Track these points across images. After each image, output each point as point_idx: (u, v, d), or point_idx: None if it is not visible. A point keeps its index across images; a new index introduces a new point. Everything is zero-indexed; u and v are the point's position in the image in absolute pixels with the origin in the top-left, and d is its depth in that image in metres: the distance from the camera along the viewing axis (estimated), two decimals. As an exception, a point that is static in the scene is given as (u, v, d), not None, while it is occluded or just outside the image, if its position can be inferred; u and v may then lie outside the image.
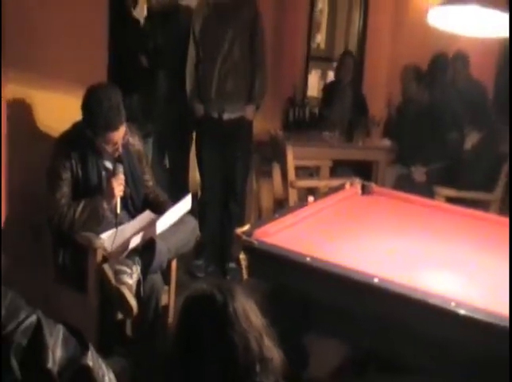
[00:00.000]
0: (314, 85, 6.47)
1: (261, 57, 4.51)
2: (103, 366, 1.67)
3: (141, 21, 5.10)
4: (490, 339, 2.36)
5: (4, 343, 1.51)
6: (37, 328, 1.56)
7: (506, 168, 5.14)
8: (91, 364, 1.61)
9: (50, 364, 1.55)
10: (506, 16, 2.89)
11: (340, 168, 5.42)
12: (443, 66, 5.76)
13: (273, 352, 1.60)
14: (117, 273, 3.13)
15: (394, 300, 2.53)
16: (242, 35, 4.42)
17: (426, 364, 2.64)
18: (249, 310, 1.61)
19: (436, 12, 3.04)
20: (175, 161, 5.09)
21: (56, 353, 1.56)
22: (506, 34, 3.00)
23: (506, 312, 2.40)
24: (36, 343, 1.55)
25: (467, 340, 2.42)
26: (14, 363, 1.52)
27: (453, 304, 2.44)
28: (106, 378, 1.66)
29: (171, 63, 4.79)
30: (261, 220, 3.87)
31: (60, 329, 1.61)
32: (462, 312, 2.41)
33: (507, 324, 2.35)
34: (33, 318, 1.57)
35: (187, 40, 4.53)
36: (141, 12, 5.37)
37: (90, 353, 1.62)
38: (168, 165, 5.11)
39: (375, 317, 2.60)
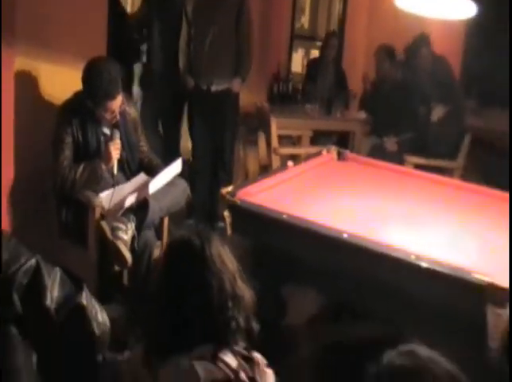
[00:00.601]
0: (298, 62, 6.44)
1: (247, 35, 4.52)
2: (96, 305, 1.71)
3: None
4: (451, 290, 2.39)
5: (7, 282, 1.55)
6: (37, 270, 1.60)
7: (468, 138, 5.19)
8: (85, 302, 1.66)
9: (48, 302, 1.60)
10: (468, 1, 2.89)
11: (321, 137, 5.43)
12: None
13: (245, 292, 1.63)
14: (113, 229, 3.17)
15: (362, 254, 2.56)
16: (229, 15, 4.43)
17: (394, 313, 2.68)
18: (223, 254, 1.64)
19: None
20: (168, 129, 5.07)
21: (53, 293, 1.61)
22: (468, 16, 3.00)
23: (465, 264, 2.44)
24: (36, 283, 1.59)
25: (429, 291, 2.45)
26: (16, 299, 1.56)
27: (413, 257, 2.47)
28: (99, 316, 1.71)
29: (166, 40, 4.78)
30: (244, 181, 3.88)
31: (58, 272, 1.65)
32: (423, 264, 2.45)
33: (468, 276, 2.37)
34: (33, 261, 1.61)
35: (180, 20, 4.52)
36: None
37: (84, 293, 1.67)
38: (162, 133, 5.11)
39: (347, 269, 2.62)
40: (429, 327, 2.54)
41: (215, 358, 1.51)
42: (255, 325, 1.61)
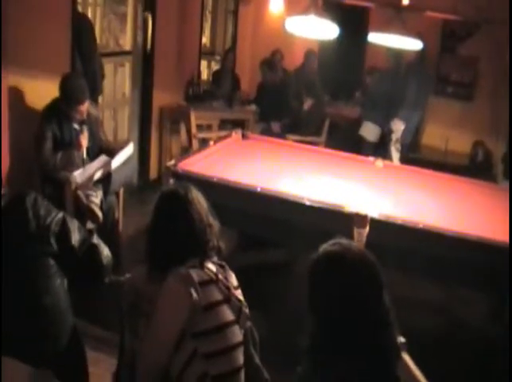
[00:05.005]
0: (204, 71, 6.42)
1: None
2: (102, 244, 1.80)
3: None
4: (330, 220, 2.59)
5: (46, 229, 1.61)
6: (63, 221, 1.66)
7: (327, 122, 5.48)
8: (96, 242, 1.74)
9: (73, 242, 1.67)
10: (331, 23, 3.04)
11: (225, 124, 5.53)
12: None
13: (214, 222, 1.72)
14: (87, 196, 3.15)
15: (270, 200, 2.70)
16: None
17: (293, 240, 2.82)
18: (199, 198, 1.72)
19: (290, 21, 3.14)
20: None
21: (75, 236, 1.68)
22: (334, 36, 3.11)
23: (337, 201, 2.65)
24: (64, 230, 1.66)
25: (315, 222, 2.59)
26: (53, 241, 1.62)
27: (306, 199, 2.66)
28: (105, 251, 1.79)
29: None
30: (181, 156, 3.85)
31: (75, 222, 1.73)
32: (307, 203, 2.63)
33: (341, 209, 2.56)
34: (61, 215, 1.67)
35: None
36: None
37: (94, 236, 1.75)
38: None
39: (259, 212, 2.73)
40: (315, 248, 2.75)
41: (201, 266, 1.61)
42: (222, 244, 1.71)
